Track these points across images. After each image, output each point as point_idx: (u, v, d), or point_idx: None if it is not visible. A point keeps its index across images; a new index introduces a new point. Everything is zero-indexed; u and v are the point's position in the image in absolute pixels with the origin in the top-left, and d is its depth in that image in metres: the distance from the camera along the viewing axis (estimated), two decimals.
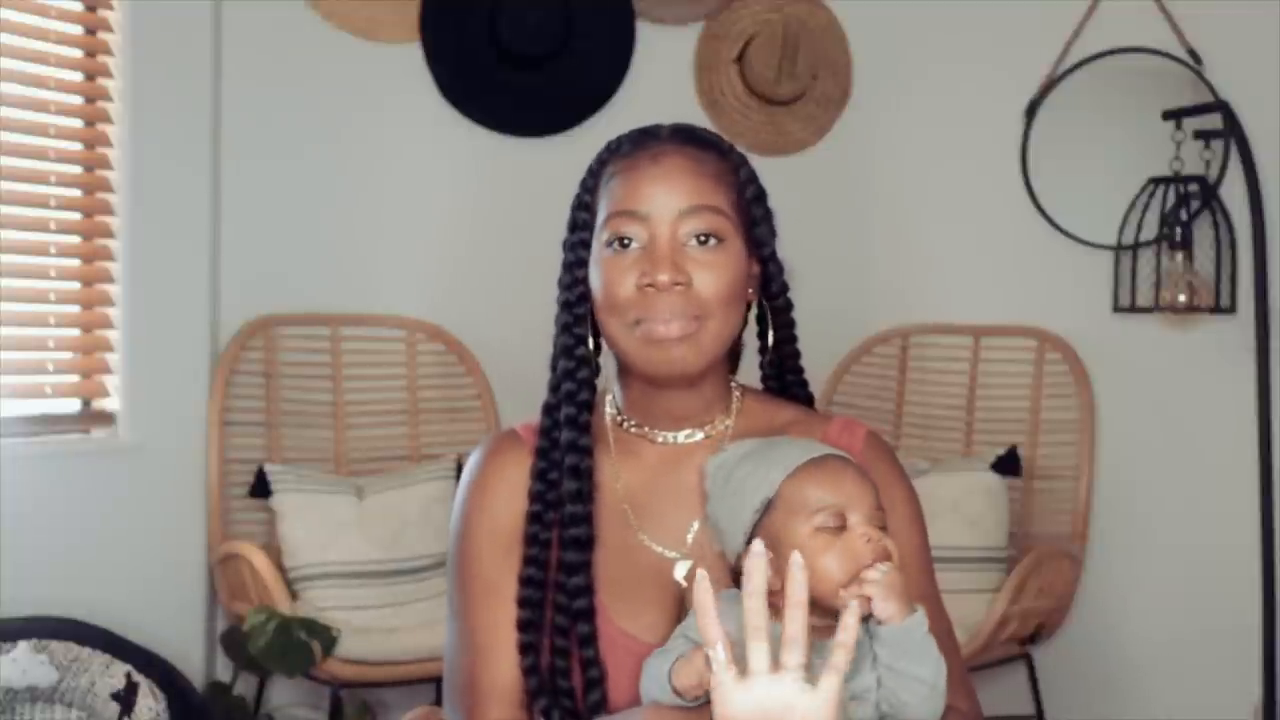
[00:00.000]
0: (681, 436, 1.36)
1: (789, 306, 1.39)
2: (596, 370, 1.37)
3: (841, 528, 1.21)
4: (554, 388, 1.36)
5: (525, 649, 1.31)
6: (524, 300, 2.37)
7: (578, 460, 1.32)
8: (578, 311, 1.35)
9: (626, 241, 1.29)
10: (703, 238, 1.29)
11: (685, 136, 1.35)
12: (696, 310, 1.28)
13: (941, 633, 1.32)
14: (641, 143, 1.33)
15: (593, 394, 1.35)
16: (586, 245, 1.34)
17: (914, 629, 1.18)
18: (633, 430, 1.37)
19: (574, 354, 1.35)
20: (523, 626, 1.32)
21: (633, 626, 1.31)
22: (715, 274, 1.29)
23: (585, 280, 1.34)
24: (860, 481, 1.24)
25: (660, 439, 1.36)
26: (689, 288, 1.28)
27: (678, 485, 1.35)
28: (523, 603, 1.32)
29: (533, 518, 1.33)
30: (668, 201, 1.29)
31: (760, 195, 1.35)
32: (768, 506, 1.23)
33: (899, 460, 1.40)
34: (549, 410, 1.36)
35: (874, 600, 1.17)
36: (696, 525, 1.34)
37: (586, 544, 1.31)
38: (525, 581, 1.32)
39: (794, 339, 1.41)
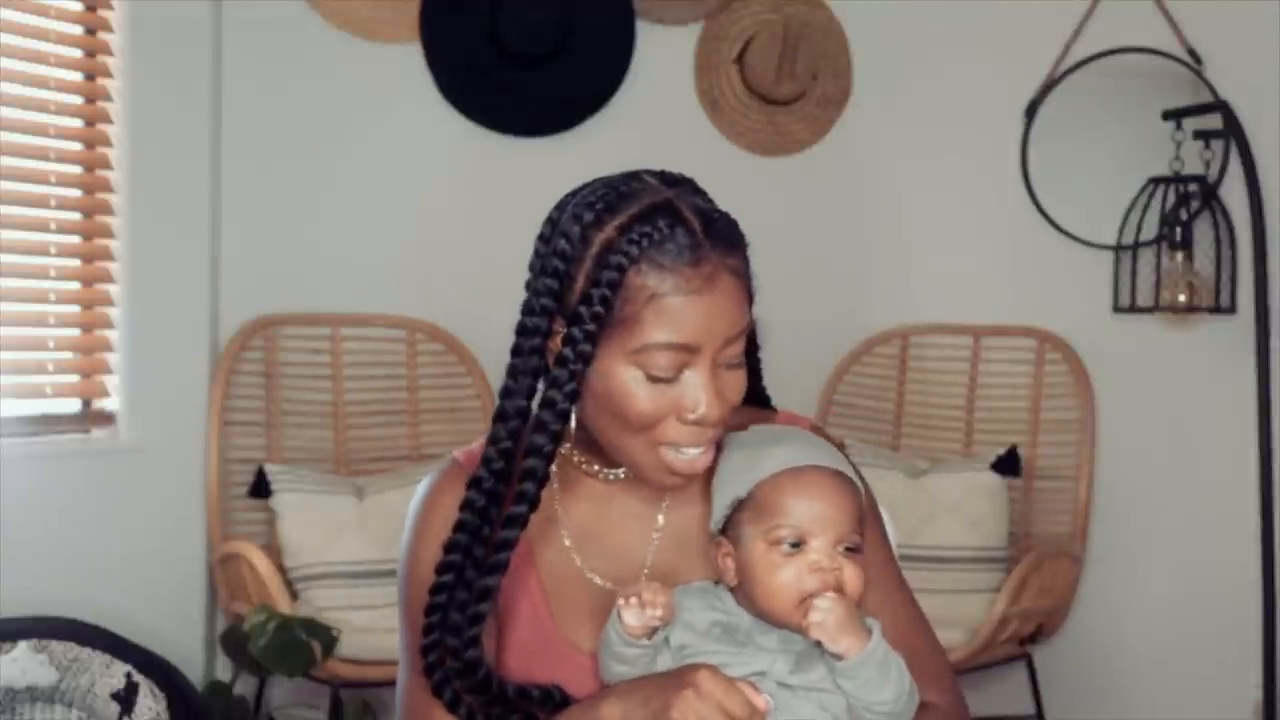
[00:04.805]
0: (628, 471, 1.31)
1: (758, 348, 1.36)
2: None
3: (799, 544, 1.19)
4: (504, 438, 1.26)
5: (452, 707, 1.27)
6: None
7: (508, 535, 1.25)
8: (567, 405, 1.23)
9: (667, 374, 1.21)
10: (736, 360, 1.25)
11: (724, 240, 1.22)
12: (724, 423, 1.25)
13: (911, 625, 1.32)
14: (686, 254, 1.19)
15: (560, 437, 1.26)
16: (595, 340, 1.20)
17: (868, 659, 1.17)
18: (583, 467, 1.33)
19: (551, 431, 1.24)
20: (436, 690, 1.27)
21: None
22: (740, 384, 1.25)
23: (584, 372, 1.22)
24: (836, 501, 1.21)
25: (607, 474, 1.33)
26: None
27: (629, 513, 1.33)
28: (427, 670, 1.26)
29: (438, 588, 1.26)
30: (718, 331, 1.21)
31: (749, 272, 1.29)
32: (740, 504, 1.23)
33: (846, 452, 1.36)
34: (476, 484, 1.27)
35: (823, 643, 1.16)
36: (656, 540, 1.32)
37: (489, 595, 1.25)
38: (424, 650, 1.26)
39: (759, 369, 1.37)
